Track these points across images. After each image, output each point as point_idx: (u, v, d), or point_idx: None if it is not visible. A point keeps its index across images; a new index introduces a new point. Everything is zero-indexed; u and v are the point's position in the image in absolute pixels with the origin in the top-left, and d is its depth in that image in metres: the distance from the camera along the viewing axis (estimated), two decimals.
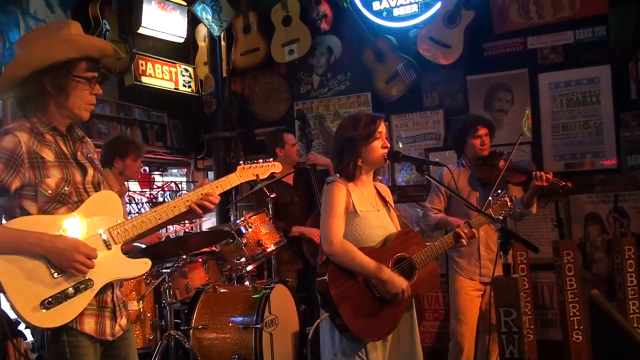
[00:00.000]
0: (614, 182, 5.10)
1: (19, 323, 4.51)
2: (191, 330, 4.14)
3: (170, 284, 4.22)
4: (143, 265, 2.60)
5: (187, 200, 2.65)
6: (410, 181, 5.85)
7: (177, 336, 4.08)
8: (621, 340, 2.86)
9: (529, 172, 4.19)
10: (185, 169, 6.94)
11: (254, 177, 2.95)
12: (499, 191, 3.64)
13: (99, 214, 2.51)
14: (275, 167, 3.08)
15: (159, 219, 2.59)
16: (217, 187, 2.73)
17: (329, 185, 3.20)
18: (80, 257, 2.36)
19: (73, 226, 2.43)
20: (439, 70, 5.67)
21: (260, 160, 3.00)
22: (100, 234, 2.48)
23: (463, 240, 3.29)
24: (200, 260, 4.69)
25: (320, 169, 5.25)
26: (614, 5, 5.00)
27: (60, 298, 2.35)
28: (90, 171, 2.61)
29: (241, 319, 4.16)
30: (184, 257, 4.23)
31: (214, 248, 4.73)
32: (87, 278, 2.41)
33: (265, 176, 3.01)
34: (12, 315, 4.57)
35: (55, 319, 2.35)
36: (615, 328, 2.90)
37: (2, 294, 2.31)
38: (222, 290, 4.38)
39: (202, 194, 2.67)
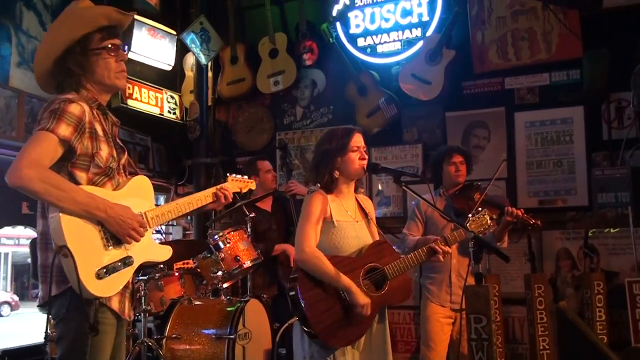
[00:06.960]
0: (585, 219, 5.23)
1: None
2: (164, 340, 4.12)
3: (147, 292, 4.21)
4: (167, 251, 2.73)
5: (211, 192, 2.93)
6: (387, 214, 5.93)
7: (150, 344, 4.05)
8: (588, 351, 2.91)
9: (502, 206, 4.27)
10: (165, 195, 6.97)
11: (238, 190, 3.25)
12: (479, 209, 3.67)
13: (138, 196, 2.60)
14: (252, 185, 3.45)
15: (190, 204, 2.79)
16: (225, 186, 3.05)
17: (309, 195, 3.25)
18: (137, 226, 2.45)
19: (123, 202, 2.50)
20: (419, 106, 5.81)
21: (245, 177, 3.35)
22: (141, 216, 2.55)
23: (440, 256, 3.32)
24: (176, 274, 4.68)
25: (300, 199, 5.31)
26: (589, 50, 5.22)
27: (112, 269, 2.39)
28: (124, 154, 2.68)
29: (215, 330, 4.14)
30: (161, 266, 4.24)
31: (191, 263, 4.73)
32: (128, 255, 2.47)
33: (245, 191, 3.30)
34: None
35: (105, 289, 2.38)
36: (582, 339, 2.96)
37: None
38: (197, 303, 4.37)
39: (219, 188, 2.97)
